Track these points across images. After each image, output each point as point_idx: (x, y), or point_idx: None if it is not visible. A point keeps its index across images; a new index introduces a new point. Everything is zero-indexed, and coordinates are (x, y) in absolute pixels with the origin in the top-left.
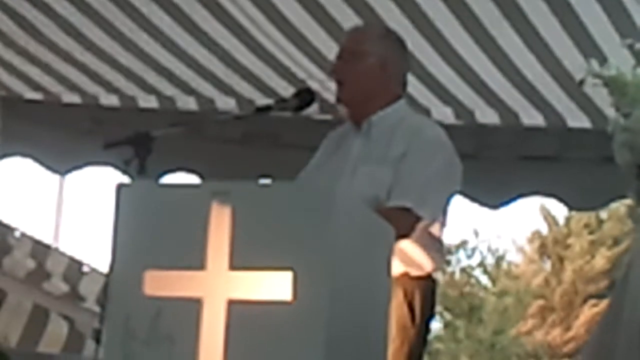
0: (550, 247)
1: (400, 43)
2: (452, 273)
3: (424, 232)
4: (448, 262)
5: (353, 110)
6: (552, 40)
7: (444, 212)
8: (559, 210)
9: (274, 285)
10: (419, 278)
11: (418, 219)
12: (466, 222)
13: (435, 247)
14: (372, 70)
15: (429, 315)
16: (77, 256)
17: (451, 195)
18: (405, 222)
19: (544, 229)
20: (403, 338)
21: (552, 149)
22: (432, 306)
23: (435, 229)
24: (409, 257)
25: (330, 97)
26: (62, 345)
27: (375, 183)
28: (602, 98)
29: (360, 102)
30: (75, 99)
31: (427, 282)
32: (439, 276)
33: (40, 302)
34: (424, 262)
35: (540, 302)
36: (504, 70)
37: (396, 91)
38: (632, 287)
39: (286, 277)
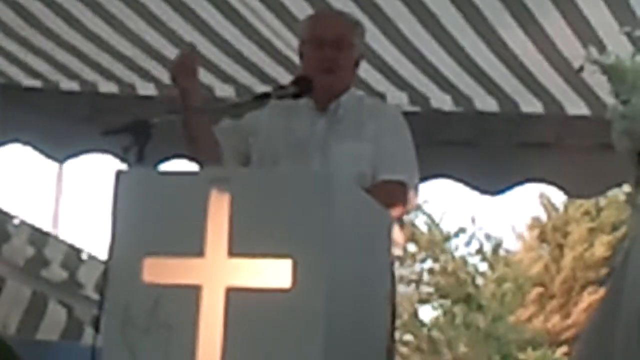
0: (549, 234)
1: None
2: (450, 260)
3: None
4: (446, 250)
5: (329, 95)
6: (551, 28)
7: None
8: (558, 197)
9: (273, 273)
10: None
11: (414, 190)
12: (464, 209)
13: (400, 226)
14: (352, 62)
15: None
16: (76, 243)
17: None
18: (403, 195)
19: (543, 216)
20: None
21: (550, 136)
22: (394, 287)
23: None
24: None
25: None
26: (60, 333)
27: (358, 159)
28: (600, 85)
29: (339, 89)
30: (74, 86)
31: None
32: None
33: (39, 289)
34: (397, 240)
35: (539, 289)
36: (502, 58)
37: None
38: (631, 273)
39: (285, 264)
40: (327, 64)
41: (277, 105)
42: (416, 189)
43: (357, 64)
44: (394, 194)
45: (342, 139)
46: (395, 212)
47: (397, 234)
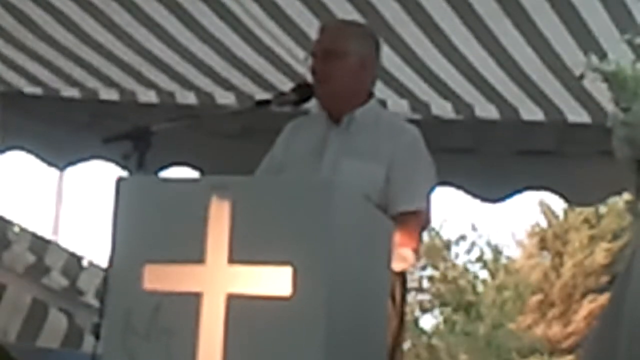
0: (549, 241)
1: (377, 43)
2: (451, 268)
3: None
4: (447, 258)
5: (333, 105)
6: (552, 35)
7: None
8: (558, 204)
9: (274, 280)
10: (397, 272)
11: (426, 219)
12: (465, 216)
13: (418, 241)
14: (353, 69)
15: (405, 306)
16: (77, 250)
17: (431, 191)
18: (417, 224)
19: (543, 224)
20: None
21: (551, 143)
22: (405, 300)
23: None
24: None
25: None
26: (61, 340)
27: (366, 180)
28: (601, 93)
29: (341, 100)
30: (74, 93)
31: (402, 277)
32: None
33: (40, 296)
34: (408, 258)
35: (539, 296)
36: (503, 65)
37: (370, 88)
38: (634, 281)
39: (286, 272)
40: (314, 76)
41: (297, 120)
42: (429, 205)
43: (364, 70)
44: (410, 226)
45: (354, 156)
46: (412, 243)
47: (409, 253)
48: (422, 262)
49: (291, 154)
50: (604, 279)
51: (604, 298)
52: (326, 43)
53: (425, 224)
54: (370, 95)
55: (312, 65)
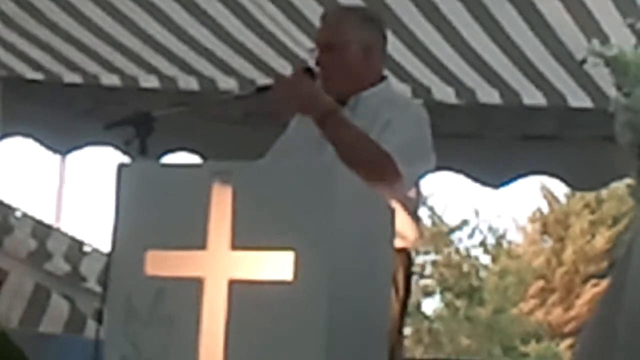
0: (551, 226)
1: (379, 23)
2: (453, 253)
3: (401, 204)
4: (449, 243)
5: (338, 95)
6: (554, 20)
7: (419, 190)
8: (559, 189)
9: (276, 265)
10: (399, 251)
11: (399, 173)
12: (467, 201)
13: (414, 220)
14: (356, 57)
15: (408, 290)
16: (79, 236)
17: (424, 173)
18: (391, 167)
19: (545, 209)
20: None
21: (553, 128)
22: (410, 281)
23: (411, 204)
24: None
25: None
26: (63, 325)
27: None
28: (603, 77)
29: (346, 88)
30: (76, 79)
31: (406, 257)
32: (438, 256)
33: (42, 282)
34: (406, 231)
35: (541, 282)
36: (505, 50)
37: (380, 70)
38: (634, 265)
39: (288, 257)
40: (320, 70)
41: None
42: (409, 180)
43: (369, 55)
44: (383, 160)
45: None
46: (378, 185)
47: (409, 227)
48: (425, 247)
49: (300, 136)
50: (605, 264)
51: (605, 283)
52: (327, 36)
53: (415, 205)
54: (383, 77)
55: (316, 57)
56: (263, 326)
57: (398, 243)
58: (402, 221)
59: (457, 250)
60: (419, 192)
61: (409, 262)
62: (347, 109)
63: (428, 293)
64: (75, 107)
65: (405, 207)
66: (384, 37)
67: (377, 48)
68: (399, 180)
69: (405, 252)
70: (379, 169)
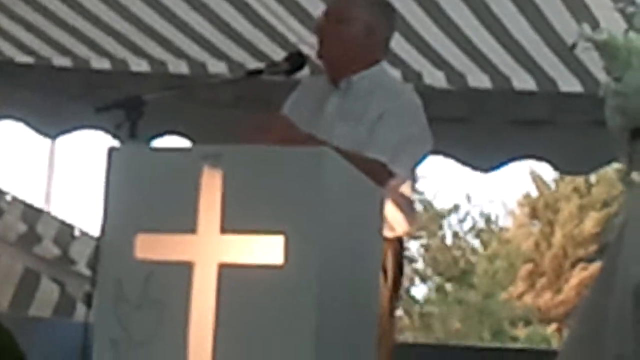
0: (540, 210)
1: (389, 8)
2: (444, 237)
3: (396, 192)
4: (440, 227)
5: (332, 69)
6: (545, 4)
7: (414, 176)
8: (549, 174)
9: (266, 249)
10: (390, 239)
11: (391, 175)
12: (458, 186)
13: (407, 208)
14: (357, 36)
15: (399, 277)
16: (68, 220)
17: (422, 158)
18: (380, 175)
19: (534, 193)
20: None
21: (543, 112)
22: (401, 268)
23: (406, 190)
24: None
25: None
26: (53, 309)
27: (350, 144)
28: (593, 62)
29: (341, 64)
30: (66, 62)
31: (397, 244)
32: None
33: (31, 265)
34: (396, 223)
35: (530, 265)
36: (495, 34)
37: (377, 55)
38: (625, 249)
39: (277, 240)
40: (318, 35)
41: (304, 83)
42: (406, 171)
43: (370, 38)
44: (368, 170)
45: (346, 120)
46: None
47: (401, 217)
48: (416, 231)
49: (294, 116)
50: (594, 248)
51: (594, 267)
52: (333, 7)
53: (409, 196)
54: (377, 61)
55: (319, 24)
56: (253, 310)
57: (390, 232)
58: (394, 211)
59: (447, 236)
60: (414, 179)
61: (400, 248)
62: (338, 92)
63: (419, 277)
64: (65, 90)
65: (400, 199)
66: (391, 27)
67: (379, 32)
68: (393, 180)
69: (395, 241)
70: (371, 178)
